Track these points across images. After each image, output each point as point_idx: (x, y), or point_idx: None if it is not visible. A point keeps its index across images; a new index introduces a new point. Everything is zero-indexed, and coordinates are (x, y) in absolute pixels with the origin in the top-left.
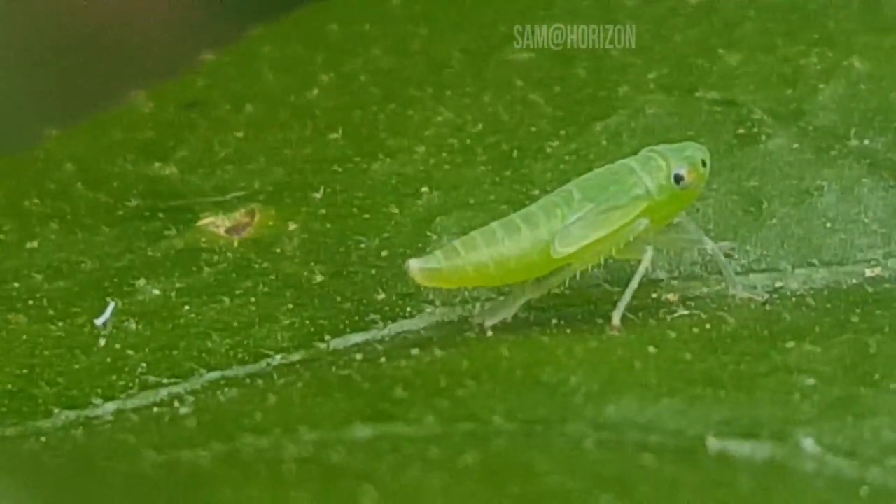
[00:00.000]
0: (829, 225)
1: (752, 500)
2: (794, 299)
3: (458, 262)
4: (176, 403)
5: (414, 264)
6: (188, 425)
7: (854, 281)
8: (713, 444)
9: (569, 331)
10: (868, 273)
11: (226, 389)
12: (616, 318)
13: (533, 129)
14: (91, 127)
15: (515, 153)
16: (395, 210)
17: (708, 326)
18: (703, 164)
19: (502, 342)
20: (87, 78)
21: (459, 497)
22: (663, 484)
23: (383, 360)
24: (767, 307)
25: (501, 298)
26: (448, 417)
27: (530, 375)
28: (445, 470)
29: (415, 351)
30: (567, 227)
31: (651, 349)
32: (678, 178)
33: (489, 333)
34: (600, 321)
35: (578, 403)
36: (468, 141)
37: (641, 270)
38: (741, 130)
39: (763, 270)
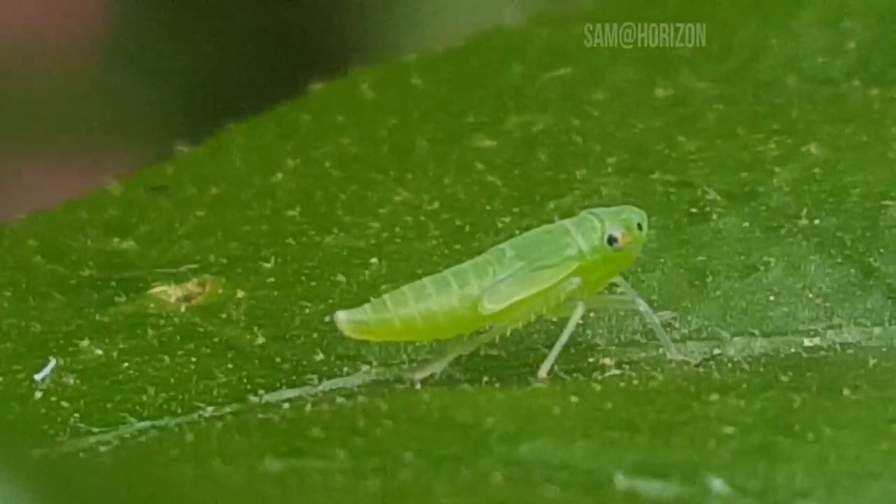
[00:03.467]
0: (772, 298)
1: None
2: (729, 365)
3: (386, 316)
4: (101, 448)
5: (341, 316)
6: (104, 462)
7: (792, 350)
8: (621, 481)
9: (497, 385)
10: (807, 343)
11: (151, 433)
12: (543, 371)
13: (488, 207)
14: (61, 209)
15: (468, 228)
16: (342, 278)
17: (635, 382)
18: (640, 227)
19: (426, 390)
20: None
21: None
22: None
23: (309, 407)
24: (700, 369)
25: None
26: (360, 453)
27: (446, 417)
28: (344, 493)
29: (340, 399)
30: (496, 284)
31: (573, 398)
32: (612, 240)
33: (417, 387)
34: (532, 379)
35: (492, 443)
36: (422, 218)
37: (572, 325)
38: (693, 210)
39: (702, 339)
